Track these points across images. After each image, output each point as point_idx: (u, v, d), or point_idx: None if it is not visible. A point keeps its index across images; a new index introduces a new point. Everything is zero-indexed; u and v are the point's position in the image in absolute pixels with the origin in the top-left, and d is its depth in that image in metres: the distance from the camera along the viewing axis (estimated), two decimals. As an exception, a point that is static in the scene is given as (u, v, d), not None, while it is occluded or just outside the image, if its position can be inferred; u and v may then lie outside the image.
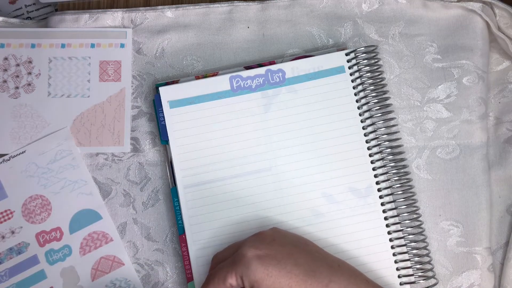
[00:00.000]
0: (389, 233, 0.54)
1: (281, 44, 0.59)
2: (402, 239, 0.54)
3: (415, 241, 0.54)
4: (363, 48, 0.56)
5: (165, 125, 0.56)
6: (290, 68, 0.56)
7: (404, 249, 0.53)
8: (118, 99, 0.58)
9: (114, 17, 0.59)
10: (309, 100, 0.56)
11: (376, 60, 0.56)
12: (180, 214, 0.55)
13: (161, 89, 0.56)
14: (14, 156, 0.56)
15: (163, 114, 0.56)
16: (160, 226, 0.56)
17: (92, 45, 0.59)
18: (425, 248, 0.54)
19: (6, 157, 0.56)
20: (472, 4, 0.58)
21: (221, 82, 0.56)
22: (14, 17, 0.62)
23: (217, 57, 0.59)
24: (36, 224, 0.56)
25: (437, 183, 0.56)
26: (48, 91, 0.58)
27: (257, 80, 0.56)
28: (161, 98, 0.56)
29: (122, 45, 0.59)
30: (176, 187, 0.55)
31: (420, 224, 0.54)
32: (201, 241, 0.54)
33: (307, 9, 0.59)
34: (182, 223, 0.54)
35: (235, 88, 0.56)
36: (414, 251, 0.53)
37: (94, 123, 0.58)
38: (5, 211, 0.56)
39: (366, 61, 0.56)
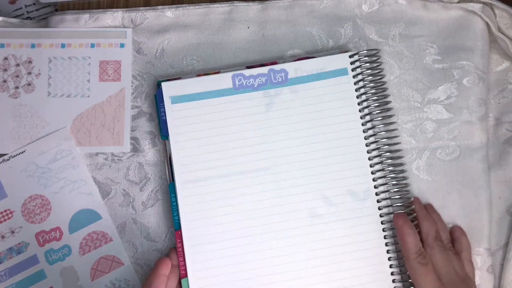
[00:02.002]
0: (385, 237, 0.54)
1: (281, 44, 0.59)
2: (398, 245, 0.53)
3: None
4: (365, 51, 0.56)
5: (165, 120, 0.56)
6: (293, 68, 0.56)
7: (399, 254, 0.53)
8: (118, 99, 0.58)
9: (114, 17, 0.59)
10: (311, 101, 0.56)
11: (378, 64, 0.56)
12: (177, 210, 0.54)
13: (163, 84, 0.56)
14: (14, 156, 0.56)
15: (164, 109, 0.56)
16: (160, 226, 0.56)
17: (92, 45, 0.59)
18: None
19: (6, 157, 0.56)
20: (472, 5, 0.58)
21: (224, 80, 0.56)
22: (14, 17, 0.62)
23: (217, 57, 0.59)
24: (35, 224, 0.56)
25: (437, 184, 0.56)
26: (48, 91, 0.58)
27: (260, 79, 0.56)
28: (163, 94, 0.56)
29: (122, 45, 0.59)
30: (174, 182, 0.55)
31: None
32: (197, 238, 0.54)
33: (307, 9, 0.59)
34: (179, 219, 0.54)
35: (237, 86, 0.56)
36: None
37: (94, 123, 0.58)
38: (5, 210, 0.56)
39: (368, 64, 0.56)
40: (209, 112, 0.56)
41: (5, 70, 0.58)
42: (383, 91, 0.56)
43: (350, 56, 0.56)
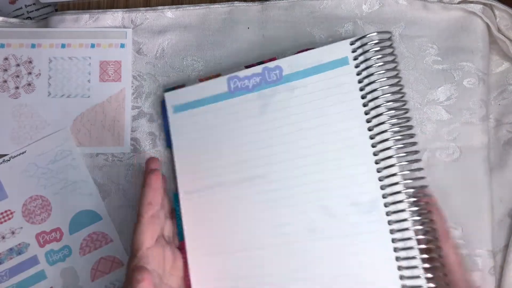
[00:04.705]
0: (397, 259, 0.45)
1: (281, 44, 0.59)
2: (414, 270, 0.44)
3: (428, 269, 0.44)
4: (374, 33, 0.49)
5: (169, 130, 0.55)
6: (288, 64, 0.51)
7: (418, 282, 0.44)
8: (118, 99, 0.58)
9: (114, 17, 0.59)
10: (308, 99, 0.50)
11: (392, 50, 0.49)
12: (181, 219, 0.53)
13: (166, 95, 0.56)
14: (14, 156, 0.56)
15: (168, 119, 0.55)
16: (160, 226, 0.56)
17: (92, 45, 0.59)
18: (443, 274, 0.44)
19: (6, 158, 0.56)
20: (473, 6, 0.58)
21: (220, 84, 0.54)
22: (14, 17, 0.62)
23: (217, 57, 0.59)
24: (36, 224, 0.56)
25: (437, 186, 0.56)
26: (48, 91, 0.58)
27: (254, 79, 0.52)
28: (166, 104, 0.55)
29: (122, 45, 0.59)
30: (177, 192, 0.54)
31: (439, 252, 0.45)
32: (199, 249, 0.52)
33: (307, 9, 0.59)
34: (182, 230, 0.53)
35: (232, 89, 0.53)
36: (430, 285, 0.44)
37: (94, 123, 0.58)
38: (5, 211, 0.56)
39: (377, 47, 0.49)
40: (207, 119, 0.53)
41: (5, 70, 0.58)
42: (398, 81, 0.48)
43: (352, 43, 0.50)
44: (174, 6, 0.60)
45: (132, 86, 0.58)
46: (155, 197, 0.47)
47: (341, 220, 0.47)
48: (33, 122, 0.57)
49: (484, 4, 0.58)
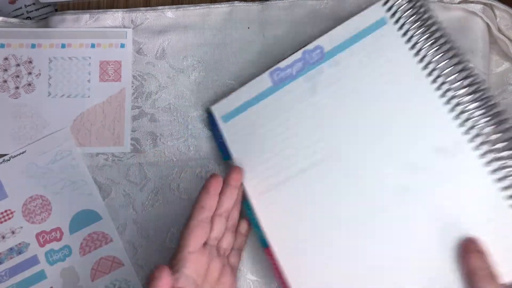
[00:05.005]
0: (504, 189, 0.44)
1: (282, 44, 0.59)
2: None
3: None
4: None
5: (223, 141, 0.54)
6: (328, 40, 0.51)
7: None
8: (118, 99, 0.58)
9: (114, 17, 0.59)
10: (356, 66, 0.49)
11: (422, 1, 0.49)
12: (259, 226, 0.51)
13: (213, 108, 0.55)
14: (14, 156, 0.57)
15: (220, 131, 0.54)
16: (160, 226, 0.56)
17: (93, 45, 0.59)
18: None
19: (6, 157, 0.56)
20: (473, 5, 0.58)
21: (262, 81, 0.53)
22: (14, 17, 0.62)
23: (217, 57, 0.59)
24: (36, 224, 0.56)
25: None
26: (48, 91, 0.58)
27: (297, 65, 0.51)
28: (215, 116, 0.54)
29: (122, 45, 0.59)
30: (247, 199, 0.52)
31: None
32: (290, 250, 0.50)
33: (307, 9, 0.59)
34: (264, 235, 0.51)
35: (276, 81, 0.52)
36: None
37: (94, 123, 0.58)
38: (6, 211, 0.56)
39: (408, 3, 0.49)
40: (258, 117, 0.52)
41: (6, 70, 0.58)
42: (436, 26, 0.48)
43: (384, 4, 0.50)
44: (174, 6, 0.60)
45: (132, 86, 0.58)
46: (209, 202, 0.48)
47: (430, 170, 0.46)
48: (33, 122, 0.58)
49: (484, 4, 0.58)
